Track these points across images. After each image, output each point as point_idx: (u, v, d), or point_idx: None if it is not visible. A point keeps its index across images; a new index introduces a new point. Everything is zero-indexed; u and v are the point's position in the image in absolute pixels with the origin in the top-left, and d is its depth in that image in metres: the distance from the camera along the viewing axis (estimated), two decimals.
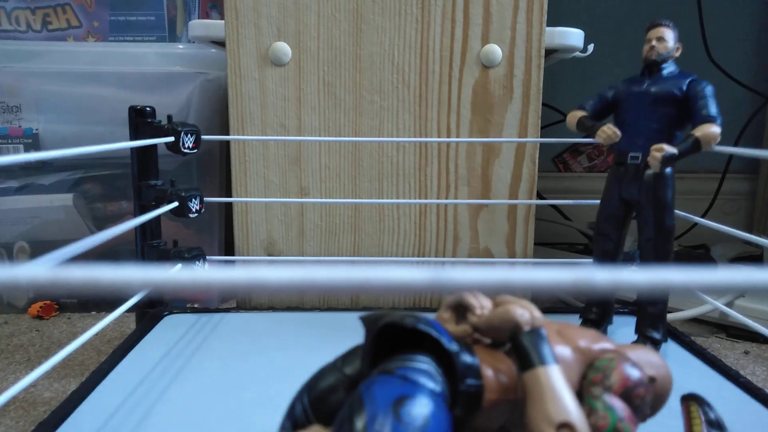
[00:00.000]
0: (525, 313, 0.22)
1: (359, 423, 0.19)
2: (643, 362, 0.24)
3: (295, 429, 0.23)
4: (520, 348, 0.22)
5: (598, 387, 0.22)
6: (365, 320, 0.22)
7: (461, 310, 0.25)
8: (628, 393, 0.22)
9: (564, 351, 0.23)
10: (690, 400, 0.29)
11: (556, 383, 0.21)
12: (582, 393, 0.23)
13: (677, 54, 0.46)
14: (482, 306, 0.24)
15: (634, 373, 0.23)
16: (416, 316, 0.22)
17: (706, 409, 0.28)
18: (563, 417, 0.20)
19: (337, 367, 0.23)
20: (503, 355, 0.24)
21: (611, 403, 0.22)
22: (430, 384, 0.20)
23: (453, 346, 0.22)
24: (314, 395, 0.23)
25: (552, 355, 0.22)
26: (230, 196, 0.60)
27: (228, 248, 0.74)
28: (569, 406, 0.20)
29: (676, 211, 0.47)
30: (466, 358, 0.22)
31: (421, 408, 0.19)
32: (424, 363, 0.21)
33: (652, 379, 0.24)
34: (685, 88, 0.44)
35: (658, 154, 0.42)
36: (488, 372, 0.22)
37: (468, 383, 0.22)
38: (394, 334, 0.22)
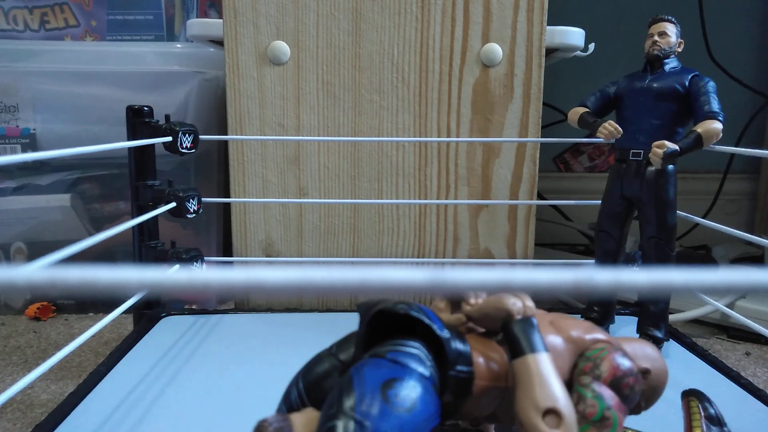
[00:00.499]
0: (517, 302, 0.23)
1: (348, 403, 0.19)
2: (638, 355, 0.25)
3: (289, 412, 0.23)
4: (510, 336, 0.22)
5: (588, 376, 0.23)
6: (360, 306, 0.23)
7: (456, 299, 0.25)
8: (617, 382, 0.22)
9: (555, 340, 0.24)
10: (690, 396, 0.29)
11: (545, 371, 0.21)
12: (572, 382, 0.23)
13: (679, 49, 0.46)
14: (477, 295, 0.25)
15: (624, 363, 0.23)
16: (409, 303, 0.22)
17: (706, 405, 0.28)
18: (550, 403, 0.20)
19: (332, 353, 0.24)
20: (496, 344, 0.24)
21: (600, 392, 0.22)
22: (420, 368, 0.21)
23: (444, 333, 0.22)
24: (309, 380, 0.23)
25: (542, 343, 0.22)
26: (228, 197, 0.60)
27: (226, 249, 0.74)
28: (557, 393, 0.21)
29: (677, 212, 0.46)
30: (458, 345, 0.23)
31: (409, 390, 0.20)
32: (414, 348, 0.21)
33: (646, 371, 0.24)
34: (687, 83, 0.44)
35: (660, 151, 0.42)
36: (479, 359, 0.23)
37: (458, 369, 0.22)
38: (388, 321, 0.22)
